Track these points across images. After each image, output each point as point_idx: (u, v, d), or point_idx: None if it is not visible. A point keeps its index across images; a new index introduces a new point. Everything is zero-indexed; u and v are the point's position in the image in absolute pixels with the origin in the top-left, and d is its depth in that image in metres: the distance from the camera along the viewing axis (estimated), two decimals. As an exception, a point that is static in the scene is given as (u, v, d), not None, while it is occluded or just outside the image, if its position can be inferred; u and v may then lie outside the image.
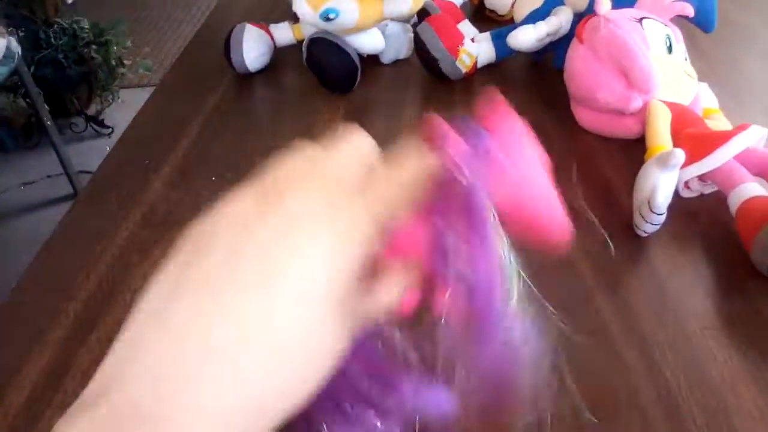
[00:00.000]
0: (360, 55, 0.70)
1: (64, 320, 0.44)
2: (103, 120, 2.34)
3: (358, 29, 0.67)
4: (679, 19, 0.61)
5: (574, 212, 0.50)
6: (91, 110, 2.34)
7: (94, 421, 0.19)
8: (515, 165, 0.26)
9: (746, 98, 0.67)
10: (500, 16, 0.81)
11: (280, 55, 0.76)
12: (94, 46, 2.23)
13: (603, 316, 0.42)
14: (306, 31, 0.72)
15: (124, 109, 2.38)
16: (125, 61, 2.34)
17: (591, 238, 0.48)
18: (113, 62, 2.27)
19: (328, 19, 0.64)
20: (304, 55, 0.67)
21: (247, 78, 0.73)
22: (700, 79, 0.63)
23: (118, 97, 2.38)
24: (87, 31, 2.22)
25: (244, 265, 0.21)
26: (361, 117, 0.66)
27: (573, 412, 0.37)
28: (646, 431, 0.35)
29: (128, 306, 0.45)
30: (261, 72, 0.74)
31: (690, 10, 0.58)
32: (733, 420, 0.36)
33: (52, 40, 2.13)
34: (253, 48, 0.71)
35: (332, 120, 0.65)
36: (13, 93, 2.12)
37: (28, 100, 2.03)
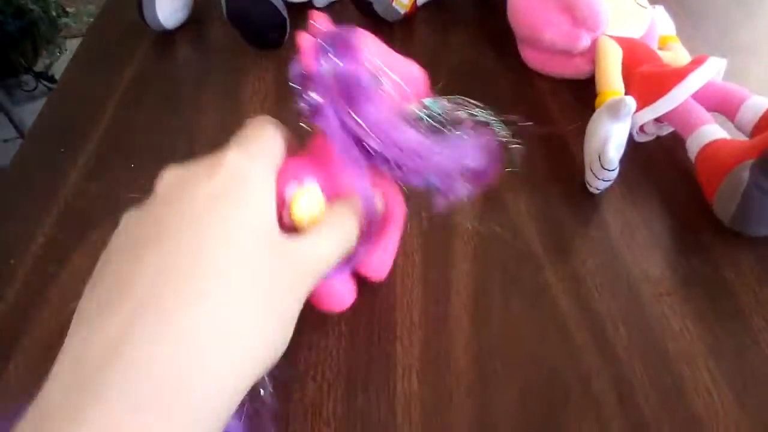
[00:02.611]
0: (288, 3, 0.64)
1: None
2: (53, 75, 2.22)
3: (281, -24, 0.60)
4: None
5: (524, 172, 0.47)
6: (39, 66, 2.22)
7: None
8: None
9: (704, 20, 0.62)
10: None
11: (203, 6, 0.70)
12: (30, -3, 2.09)
13: (552, 292, 0.39)
14: (227, -20, 0.65)
15: (73, 61, 2.26)
16: (68, 9, 2.20)
17: (540, 199, 0.45)
18: (54, 12, 2.13)
19: (244, -31, 0.57)
20: (224, 9, 0.61)
21: (167, 38, 0.67)
22: (656, 2, 0.58)
23: (65, 49, 2.26)
24: (20, -19, 2.07)
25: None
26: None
27: (521, 399, 0.34)
28: (598, 419, 0.33)
29: (46, 326, 0.41)
30: (183, 28, 0.68)
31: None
32: (688, 398, 0.34)
33: (-17, -5, 1.99)
34: (167, 3, 0.64)
35: (260, 83, 0.60)
36: (-48, 56, 2.01)
37: (-33, 63, 1.92)
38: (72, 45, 2.29)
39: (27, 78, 2.23)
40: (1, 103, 1.86)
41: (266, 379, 0.32)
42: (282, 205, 0.30)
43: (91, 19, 2.10)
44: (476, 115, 0.33)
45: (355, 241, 0.31)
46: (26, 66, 2.19)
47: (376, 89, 0.29)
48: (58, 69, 2.25)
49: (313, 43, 0.29)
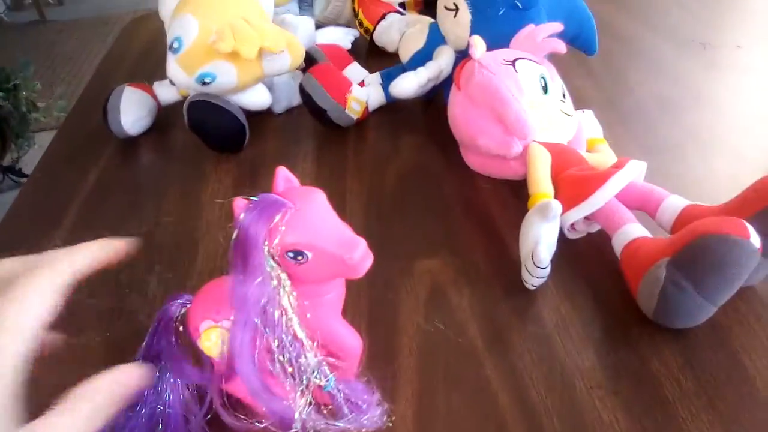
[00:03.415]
0: (247, 111, 0.68)
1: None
2: (20, 169, 2.24)
3: (240, 90, 0.65)
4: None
5: (467, 269, 0.50)
6: (7, 160, 2.23)
7: None
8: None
9: (632, 118, 0.68)
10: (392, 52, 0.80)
11: (166, 113, 0.73)
12: (1, 93, 2.13)
13: (492, 387, 0.41)
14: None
15: (41, 154, 2.29)
16: (38, 104, 2.24)
17: (481, 297, 0.48)
18: (24, 108, 2.17)
19: (205, 83, 0.62)
20: (185, 119, 0.65)
21: (131, 143, 0.70)
22: (588, 105, 0.63)
23: (34, 143, 2.28)
24: (-9, 78, 2.12)
25: None
26: (251, 177, 0.64)
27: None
28: None
29: (25, 399, 0.42)
30: (147, 134, 0.71)
31: (562, 47, 0.57)
32: (619, 491, 0.35)
33: (-45, 91, 2.03)
34: (132, 112, 0.68)
35: (221, 183, 0.63)
36: None
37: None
38: (41, 138, 2.32)
39: (-7, 172, 2.24)
40: (-35, 198, 1.86)
41: None
42: (197, 336, 0.36)
43: (62, 114, 2.11)
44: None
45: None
46: (-7, 160, 2.21)
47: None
48: (27, 162, 2.27)
49: (239, 205, 0.32)
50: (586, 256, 0.51)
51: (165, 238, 0.56)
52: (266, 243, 0.32)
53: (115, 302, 0.50)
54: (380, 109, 0.72)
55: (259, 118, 0.72)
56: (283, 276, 0.33)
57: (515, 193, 0.57)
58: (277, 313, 0.33)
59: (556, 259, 0.47)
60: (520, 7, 0.60)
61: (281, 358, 0.33)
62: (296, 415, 0.33)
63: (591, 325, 0.45)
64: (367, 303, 0.48)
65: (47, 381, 0.44)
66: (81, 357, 0.46)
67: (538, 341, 0.44)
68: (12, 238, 0.59)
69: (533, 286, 0.47)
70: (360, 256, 0.33)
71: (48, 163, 0.72)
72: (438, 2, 0.65)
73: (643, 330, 0.44)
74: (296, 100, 0.73)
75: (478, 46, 0.55)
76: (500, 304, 0.47)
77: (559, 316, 0.46)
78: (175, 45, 0.59)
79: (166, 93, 0.72)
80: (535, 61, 0.55)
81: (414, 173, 0.63)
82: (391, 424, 0.36)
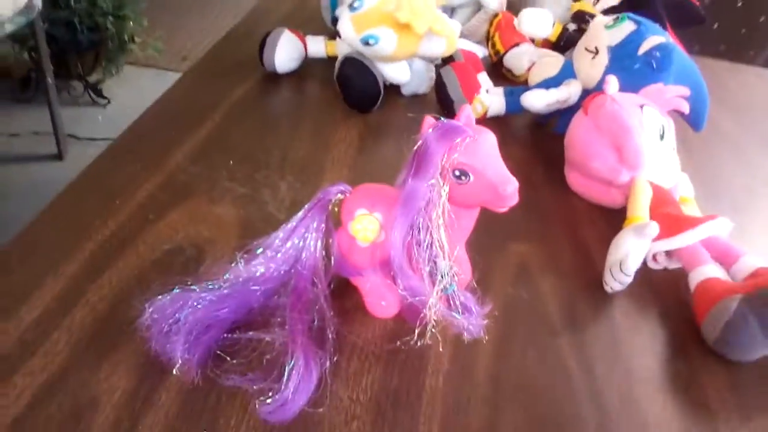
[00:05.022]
0: (384, 83, 0.76)
1: (79, 257, 0.47)
2: (101, 90, 2.35)
3: (391, 59, 0.72)
4: (673, 115, 0.68)
5: (552, 261, 0.56)
6: (92, 78, 2.35)
7: None
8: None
9: (720, 195, 0.74)
10: (515, 76, 0.88)
11: (308, 65, 0.82)
12: (110, 17, 2.26)
13: (563, 352, 0.47)
14: (340, 49, 0.77)
15: (124, 84, 2.40)
16: (137, 39, 2.37)
17: (563, 284, 0.54)
18: (125, 37, 2.30)
19: (367, 44, 0.69)
20: (336, 70, 0.72)
21: (274, 78, 0.78)
22: (682, 170, 0.70)
23: (122, 71, 2.40)
24: (107, 1, 2.25)
25: None
26: (373, 137, 0.71)
27: (527, 418, 0.41)
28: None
29: (140, 255, 0.48)
30: (288, 76, 0.79)
31: (686, 107, 0.65)
32: (660, 459, 0.41)
33: (71, 2, 2.15)
34: (285, 51, 0.76)
35: (347, 134, 0.70)
36: (20, 44, 2.13)
37: (33, 54, 2.04)
38: (129, 70, 2.44)
39: (77, 84, 2.35)
40: (49, 99, 1.96)
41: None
42: (350, 219, 0.43)
43: (156, 53, 2.24)
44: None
45: None
46: (81, 74, 2.32)
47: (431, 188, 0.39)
48: (108, 87, 2.38)
49: (429, 122, 0.40)
50: (660, 284, 0.56)
51: (297, 159, 0.63)
52: (443, 158, 0.39)
53: (250, 191, 0.57)
54: (494, 119, 0.79)
55: (388, 94, 0.79)
56: (445, 189, 0.40)
57: (607, 219, 0.63)
58: (433, 215, 0.40)
59: (634, 278, 0.53)
60: (655, 67, 0.67)
61: (425, 252, 0.40)
62: (433, 292, 0.39)
63: (656, 336, 0.51)
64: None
65: (181, 236, 0.51)
66: (215, 222, 0.53)
67: (608, 332, 0.50)
68: (167, 113, 0.67)
69: (612, 289, 0.53)
70: (511, 190, 0.40)
71: (195, 74, 0.80)
72: (580, 42, 0.73)
73: (698, 352, 0.50)
74: (423, 89, 0.81)
75: (613, 84, 0.62)
76: (579, 295, 0.53)
77: (628, 320, 0.52)
78: (356, 4, 0.67)
79: (315, 46, 0.80)
80: (659, 111, 0.62)
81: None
82: (485, 341, 0.43)
